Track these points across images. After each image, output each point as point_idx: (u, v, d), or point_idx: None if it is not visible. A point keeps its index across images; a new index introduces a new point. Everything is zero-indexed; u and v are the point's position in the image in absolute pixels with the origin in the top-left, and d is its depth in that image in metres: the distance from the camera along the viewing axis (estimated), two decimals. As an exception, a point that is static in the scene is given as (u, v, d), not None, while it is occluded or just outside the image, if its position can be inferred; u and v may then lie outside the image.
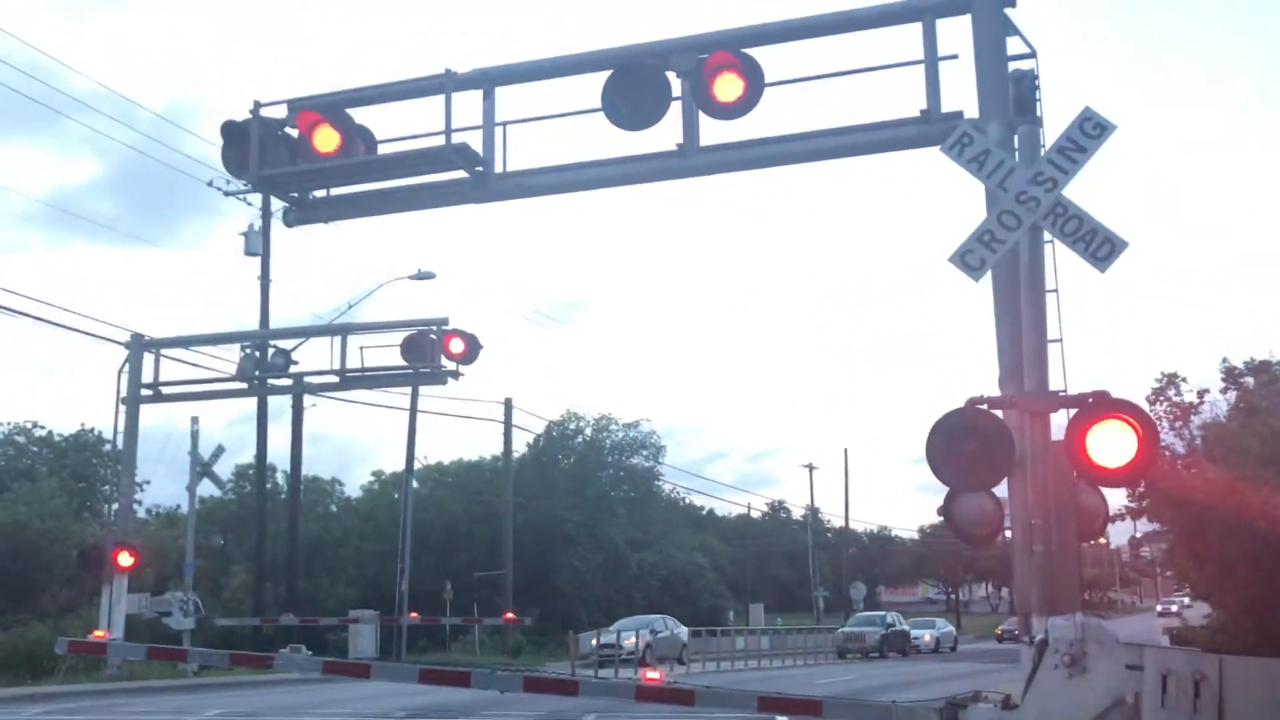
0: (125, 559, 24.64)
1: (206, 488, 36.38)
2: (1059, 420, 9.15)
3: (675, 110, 11.96)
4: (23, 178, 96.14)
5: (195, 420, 32.58)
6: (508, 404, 44.02)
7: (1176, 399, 24.04)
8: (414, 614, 36.96)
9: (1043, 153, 9.34)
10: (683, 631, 39.59)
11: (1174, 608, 69.22)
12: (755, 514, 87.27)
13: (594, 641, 36.05)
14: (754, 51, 11.74)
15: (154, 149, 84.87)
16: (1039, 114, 10.11)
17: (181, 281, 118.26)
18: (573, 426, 59.13)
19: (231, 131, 12.93)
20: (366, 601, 42.28)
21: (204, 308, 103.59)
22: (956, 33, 11.17)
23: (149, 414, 26.39)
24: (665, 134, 12.14)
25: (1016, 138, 9.87)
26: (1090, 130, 8.97)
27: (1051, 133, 9.54)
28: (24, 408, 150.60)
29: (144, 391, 25.19)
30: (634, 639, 36.47)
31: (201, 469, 32.90)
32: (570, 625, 38.46)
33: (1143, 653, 7.96)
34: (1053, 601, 8.74)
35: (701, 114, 11.95)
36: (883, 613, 52.09)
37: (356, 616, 35.91)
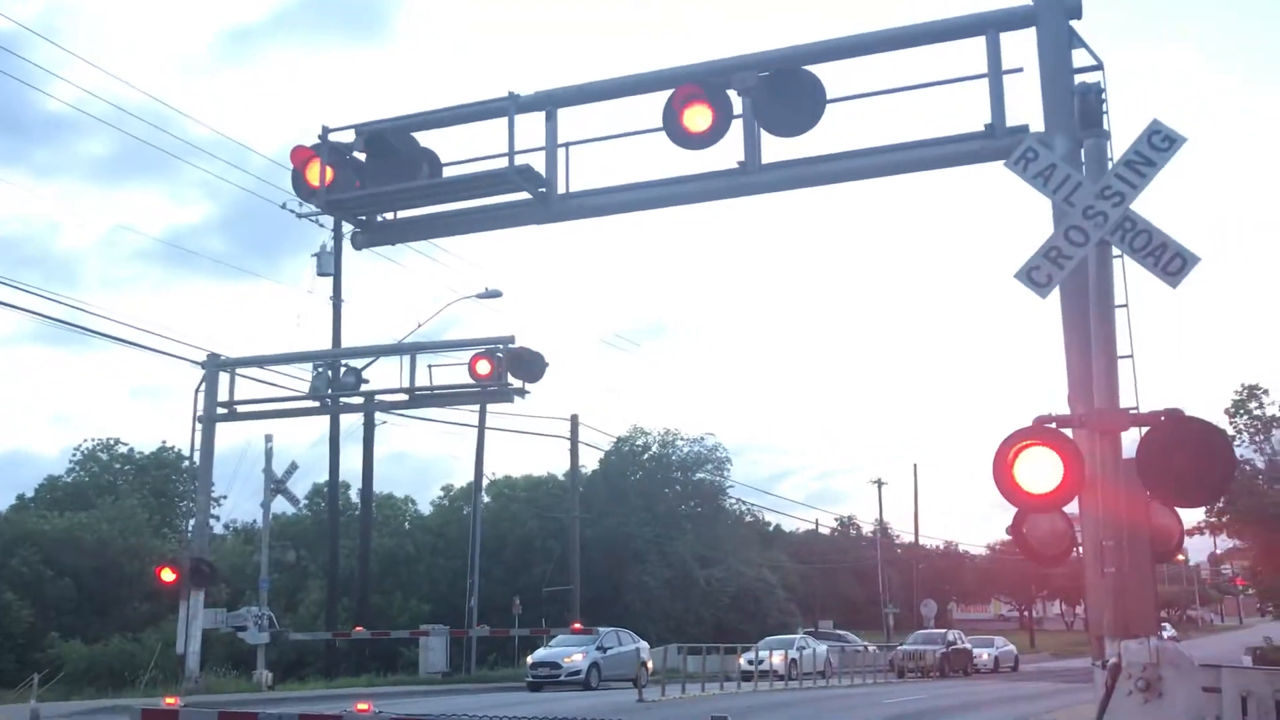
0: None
1: (282, 504, 37.09)
2: (1130, 438, 8.96)
3: (737, 128, 11.94)
4: (140, 218, 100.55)
5: (269, 438, 33.28)
6: (574, 420, 44.24)
7: (1258, 412, 23.42)
8: (484, 625, 37.41)
9: (1110, 166, 9.17)
10: (641, 648, 33.84)
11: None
12: (824, 530, 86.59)
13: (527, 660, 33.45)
14: (816, 68, 11.68)
15: (261, 189, 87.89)
16: (1106, 127, 9.92)
17: (277, 310, 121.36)
18: (639, 442, 59.21)
19: (300, 156, 13.17)
20: (438, 616, 42.77)
21: (291, 334, 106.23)
22: (1021, 46, 11.04)
23: (226, 432, 27.04)
24: (727, 152, 12.13)
25: (1083, 151, 9.70)
26: (1159, 143, 8.77)
27: (1119, 146, 9.36)
28: (109, 426, 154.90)
29: (219, 410, 25.73)
30: (579, 657, 31.90)
31: (275, 486, 33.56)
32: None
33: (1220, 674, 7.72)
34: (1127, 625, 8.53)
35: (763, 132, 11.92)
36: (944, 630, 51.12)
37: (427, 629, 36.33)
